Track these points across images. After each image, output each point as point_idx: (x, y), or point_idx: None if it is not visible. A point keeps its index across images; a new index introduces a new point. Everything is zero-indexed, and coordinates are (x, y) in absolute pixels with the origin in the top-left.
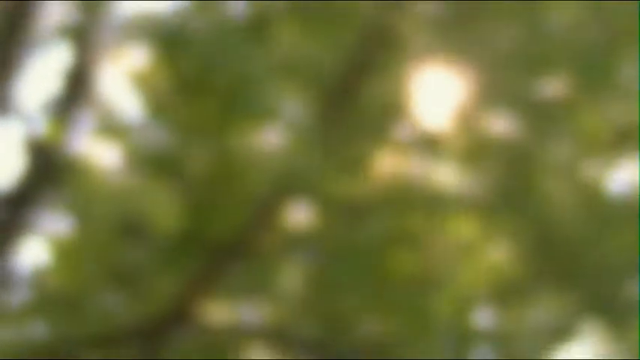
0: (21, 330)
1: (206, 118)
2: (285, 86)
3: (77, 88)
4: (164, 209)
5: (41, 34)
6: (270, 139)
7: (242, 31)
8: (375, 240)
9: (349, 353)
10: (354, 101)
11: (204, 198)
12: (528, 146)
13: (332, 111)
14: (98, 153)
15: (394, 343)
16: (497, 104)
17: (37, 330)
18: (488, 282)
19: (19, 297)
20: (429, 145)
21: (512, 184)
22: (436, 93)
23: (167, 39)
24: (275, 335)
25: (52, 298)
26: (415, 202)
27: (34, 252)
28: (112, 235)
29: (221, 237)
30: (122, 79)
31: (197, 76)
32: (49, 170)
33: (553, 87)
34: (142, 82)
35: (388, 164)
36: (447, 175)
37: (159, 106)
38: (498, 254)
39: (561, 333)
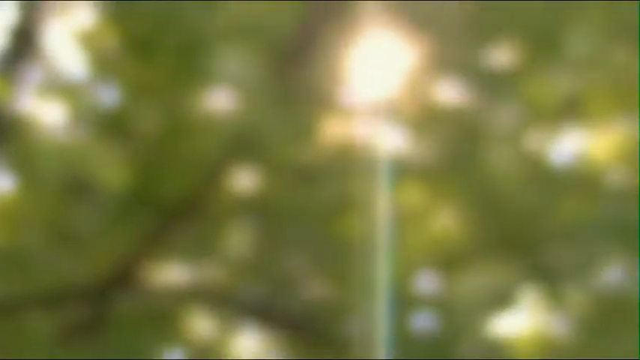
0: None
1: (156, 78)
2: (236, 48)
3: (23, 46)
4: (111, 169)
5: None
6: (219, 101)
7: None
8: (322, 204)
9: (294, 316)
10: (303, 66)
11: (153, 158)
12: (476, 114)
13: (281, 75)
14: (44, 111)
15: (338, 307)
16: (446, 72)
17: None
18: (432, 248)
19: None
20: (377, 111)
21: (460, 152)
22: (385, 59)
23: None
24: (220, 298)
25: None
26: (362, 167)
27: None
28: (57, 194)
29: (169, 198)
30: (69, 37)
31: (147, 35)
32: None
33: (502, 56)
34: (90, 40)
35: (336, 130)
36: (394, 142)
37: (107, 65)
38: (444, 221)
39: (502, 300)
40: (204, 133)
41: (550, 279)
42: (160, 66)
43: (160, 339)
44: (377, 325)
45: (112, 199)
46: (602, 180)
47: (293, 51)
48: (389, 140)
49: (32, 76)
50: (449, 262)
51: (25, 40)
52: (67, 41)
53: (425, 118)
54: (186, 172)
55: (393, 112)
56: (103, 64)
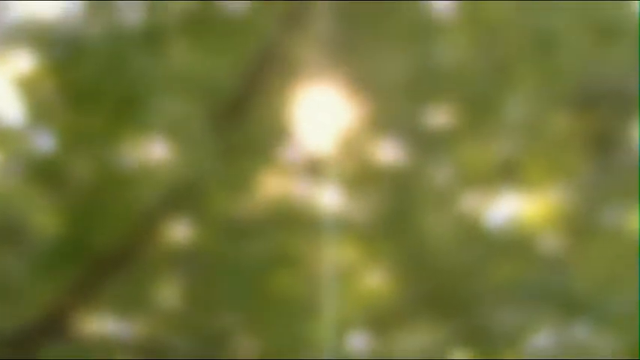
0: None
1: (93, 127)
2: (177, 99)
3: None
4: (43, 216)
5: None
6: (158, 151)
7: (136, 40)
8: (256, 259)
9: None
10: (244, 119)
11: (86, 207)
12: (412, 174)
13: (221, 128)
14: None
15: None
16: (384, 131)
17: None
18: (365, 307)
19: None
20: (315, 167)
21: (394, 212)
22: (324, 116)
23: (56, 44)
24: (149, 351)
25: None
26: (297, 224)
27: None
28: None
29: (101, 248)
30: (8, 83)
31: (87, 83)
32: None
33: (439, 117)
34: (28, 87)
35: (273, 184)
36: (330, 199)
37: (44, 112)
38: (377, 280)
39: None
40: (139, 183)
41: (482, 341)
42: (98, 114)
43: None
44: None
45: (44, 246)
46: (535, 244)
47: (233, 104)
48: (326, 197)
49: None
50: (382, 321)
51: None
52: (4, 87)
53: (362, 177)
54: (119, 221)
55: (330, 170)
56: (40, 111)
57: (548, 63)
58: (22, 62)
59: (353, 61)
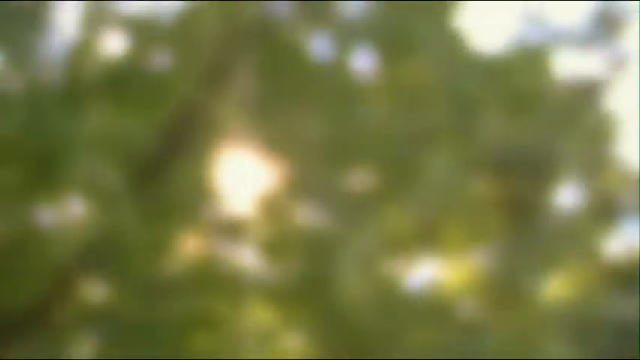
0: None
1: (11, 184)
2: (96, 158)
3: None
4: None
5: None
6: (76, 210)
7: (56, 98)
8: (175, 320)
9: None
10: (163, 179)
11: (1, 266)
12: (332, 238)
13: (140, 187)
14: None
15: None
16: (305, 194)
17: None
18: None
19: None
20: (234, 229)
21: (314, 275)
22: (245, 178)
23: None
24: None
25: None
26: (216, 285)
27: None
28: None
29: (14, 307)
30: None
31: (5, 139)
32: None
33: (360, 180)
34: None
35: (193, 245)
36: (249, 261)
37: None
38: (295, 343)
39: None
40: (56, 242)
41: None
42: (15, 171)
43: None
44: None
45: None
46: (453, 308)
47: (153, 164)
48: (246, 259)
49: None
50: None
51: None
52: None
53: (282, 240)
54: (34, 280)
55: (250, 232)
56: None
57: (466, 128)
58: None
59: (274, 123)
